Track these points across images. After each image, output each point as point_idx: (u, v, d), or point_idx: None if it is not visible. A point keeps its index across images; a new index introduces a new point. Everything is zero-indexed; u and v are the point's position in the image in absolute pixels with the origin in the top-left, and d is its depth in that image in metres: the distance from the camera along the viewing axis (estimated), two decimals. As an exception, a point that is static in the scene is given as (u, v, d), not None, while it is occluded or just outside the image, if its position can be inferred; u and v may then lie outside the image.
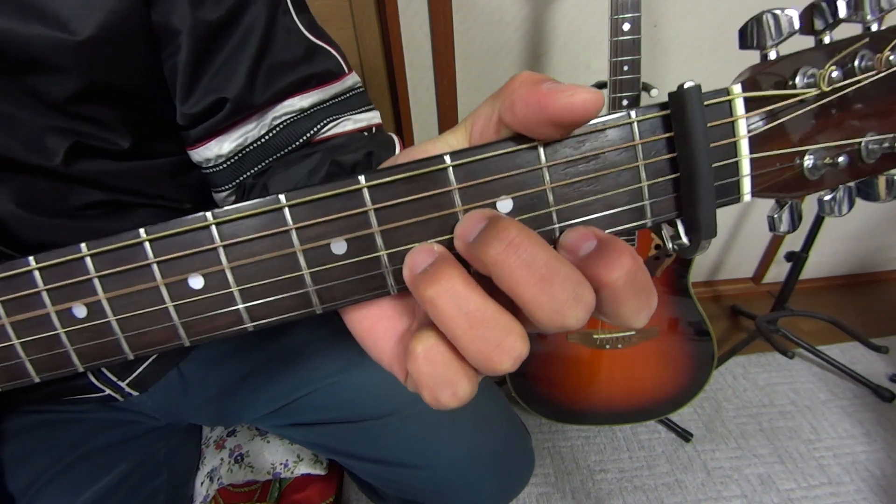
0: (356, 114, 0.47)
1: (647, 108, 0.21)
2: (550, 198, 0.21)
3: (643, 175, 0.21)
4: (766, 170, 0.22)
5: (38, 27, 0.33)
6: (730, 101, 0.21)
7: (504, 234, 0.18)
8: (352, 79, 0.48)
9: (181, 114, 0.41)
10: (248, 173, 0.45)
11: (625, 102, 0.84)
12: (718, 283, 1.62)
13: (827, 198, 0.24)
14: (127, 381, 0.53)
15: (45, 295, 0.21)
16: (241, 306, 0.22)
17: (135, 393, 0.54)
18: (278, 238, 0.21)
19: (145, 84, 0.41)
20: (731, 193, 0.22)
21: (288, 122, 0.44)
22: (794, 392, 1.28)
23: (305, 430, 0.61)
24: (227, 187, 0.45)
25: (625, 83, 0.82)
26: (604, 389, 1.08)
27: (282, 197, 0.20)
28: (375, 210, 0.21)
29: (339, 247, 0.21)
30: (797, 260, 1.24)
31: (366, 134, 0.47)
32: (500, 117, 0.21)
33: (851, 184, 0.24)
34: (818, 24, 0.22)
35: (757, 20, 0.21)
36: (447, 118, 1.14)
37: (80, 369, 0.23)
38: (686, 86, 0.19)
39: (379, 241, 0.21)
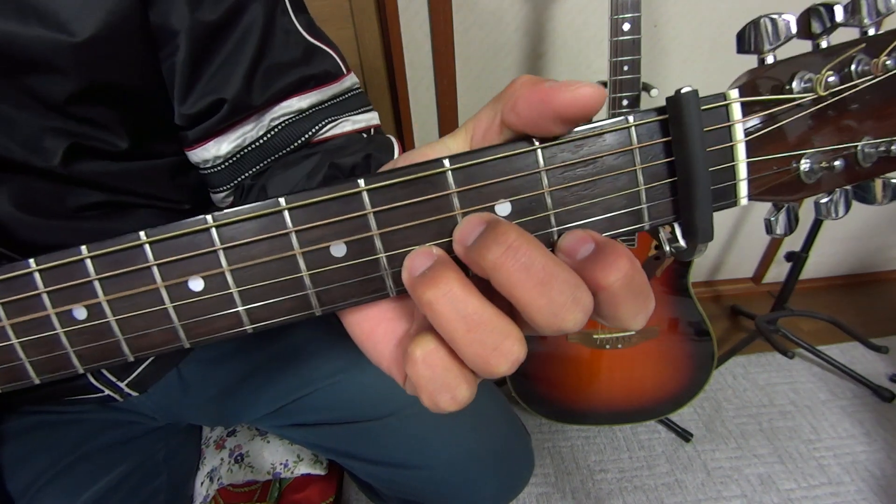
0: (355, 115, 0.47)
1: (645, 113, 0.21)
2: (549, 201, 0.21)
3: (641, 179, 0.21)
4: (762, 173, 0.22)
5: (37, 28, 0.34)
6: (726, 106, 0.21)
7: (503, 238, 0.18)
8: (350, 80, 0.48)
9: (179, 114, 0.41)
10: (247, 174, 0.45)
11: (625, 102, 0.84)
12: (718, 283, 1.62)
13: (823, 201, 0.24)
14: (126, 381, 0.53)
15: (45, 297, 0.22)
16: (240, 308, 0.22)
17: (134, 393, 0.54)
18: (278, 241, 0.21)
19: (144, 85, 0.41)
20: (727, 197, 0.22)
21: (286, 123, 0.44)
22: (794, 392, 1.28)
23: (305, 430, 0.61)
24: (225, 188, 0.45)
25: (625, 83, 0.82)
26: (604, 389, 1.08)
27: (281, 200, 0.20)
28: (375, 213, 0.21)
29: (338, 249, 0.21)
30: (797, 260, 1.24)
31: (364, 136, 0.47)
32: (503, 119, 0.21)
33: (848, 187, 0.24)
34: (815, 29, 0.22)
35: (754, 24, 0.21)
36: (447, 118, 1.14)
37: (81, 371, 0.23)
38: (683, 91, 0.19)
39: (378, 244, 0.21)
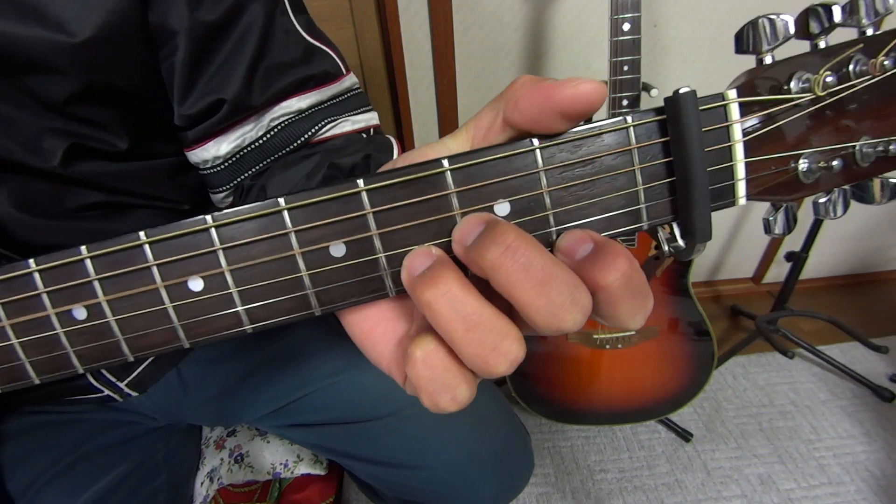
0: (354, 115, 0.47)
1: (644, 113, 0.21)
2: (547, 201, 0.21)
3: (639, 179, 0.21)
4: (761, 173, 0.22)
5: (36, 29, 0.34)
6: (725, 106, 0.21)
7: (502, 238, 0.18)
8: (350, 80, 0.48)
9: (179, 115, 0.41)
10: (246, 174, 0.45)
11: (625, 102, 0.84)
12: (718, 283, 1.62)
13: (822, 200, 0.24)
14: (126, 381, 0.53)
15: (45, 297, 0.22)
16: (240, 308, 0.22)
17: (134, 393, 0.54)
18: (277, 241, 0.21)
19: (144, 85, 0.41)
20: (726, 197, 0.22)
21: (286, 123, 0.44)
22: (794, 392, 1.28)
23: (305, 430, 0.61)
24: (224, 188, 0.45)
25: (625, 83, 0.82)
26: (604, 389, 1.08)
27: (281, 200, 0.20)
28: (374, 213, 0.21)
29: (337, 249, 0.21)
30: (797, 260, 1.24)
31: (364, 136, 0.47)
32: (505, 117, 0.21)
33: (846, 186, 0.24)
34: (814, 29, 0.22)
35: (753, 25, 0.21)
36: (447, 118, 1.14)
37: (80, 371, 0.23)
38: (681, 91, 0.19)
39: (377, 244, 0.21)
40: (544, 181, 0.21)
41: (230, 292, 0.21)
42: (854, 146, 0.22)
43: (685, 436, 1.18)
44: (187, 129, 0.42)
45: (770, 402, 1.26)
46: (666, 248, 0.23)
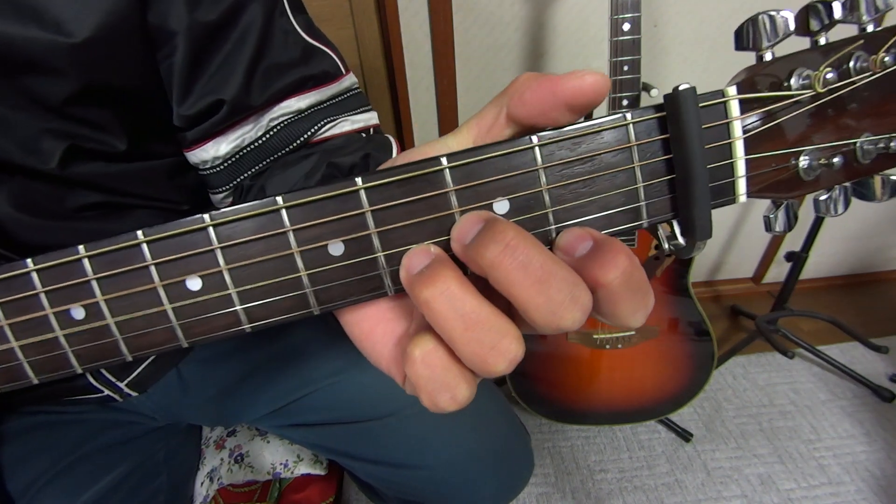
0: (354, 115, 0.47)
1: (643, 110, 0.21)
2: (547, 199, 0.21)
3: (639, 176, 0.21)
4: (761, 171, 0.22)
5: (34, 29, 0.33)
6: (725, 103, 0.21)
7: (500, 237, 0.18)
8: (349, 80, 0.48)
9: (178, 115, 0.41)
10: (246, 175, 0.45)
11: (625, 102, 0.84)
12: (718, 283, 1.62)
13: (823, 198, 0.24)
14: (125, 381, 0.53)
15: (43, 297, 0.22)
16: (238, 307, 0.22)
17: (134, 393, 0.54)
18: (276, 240, 0.21)
19: (142, 86, 0.41)
20: (726, 194, 0.22)
21: (285, 123, 0.44)
22: (794, 392, 1.28)
23: (305, 430, 0.61)
24: (224, 189, 0.45)
25: (625, 83, 0.82)
26: (604, 389, 1.08)
27: (279, 199, 0.20)
28: (372, 212, 0.21)
29: (336, 248, 0.21)
30: (797, 260, 1.24)
31: (363, 135, 0.47)
32: (510, 112, 0.21)
33: (847, 184, 0.24)
34: (814, 26, 0.22)
35: (753, 21, 0.21)
36: (447, 118, 1.14)
37: (79, 371, 0.23)
38: (681, 88, 0.19)
39: (376, 242, 0.21)
40: (543, 179, 0.21)
41: (228, 292, 0.21)
42: (855, 143, 0.22)
43: (685, 436, 1.18)
44: (186, 129, 0.42)
45: (770, 402, 1.26)
46: (666, 245, 0.23)
